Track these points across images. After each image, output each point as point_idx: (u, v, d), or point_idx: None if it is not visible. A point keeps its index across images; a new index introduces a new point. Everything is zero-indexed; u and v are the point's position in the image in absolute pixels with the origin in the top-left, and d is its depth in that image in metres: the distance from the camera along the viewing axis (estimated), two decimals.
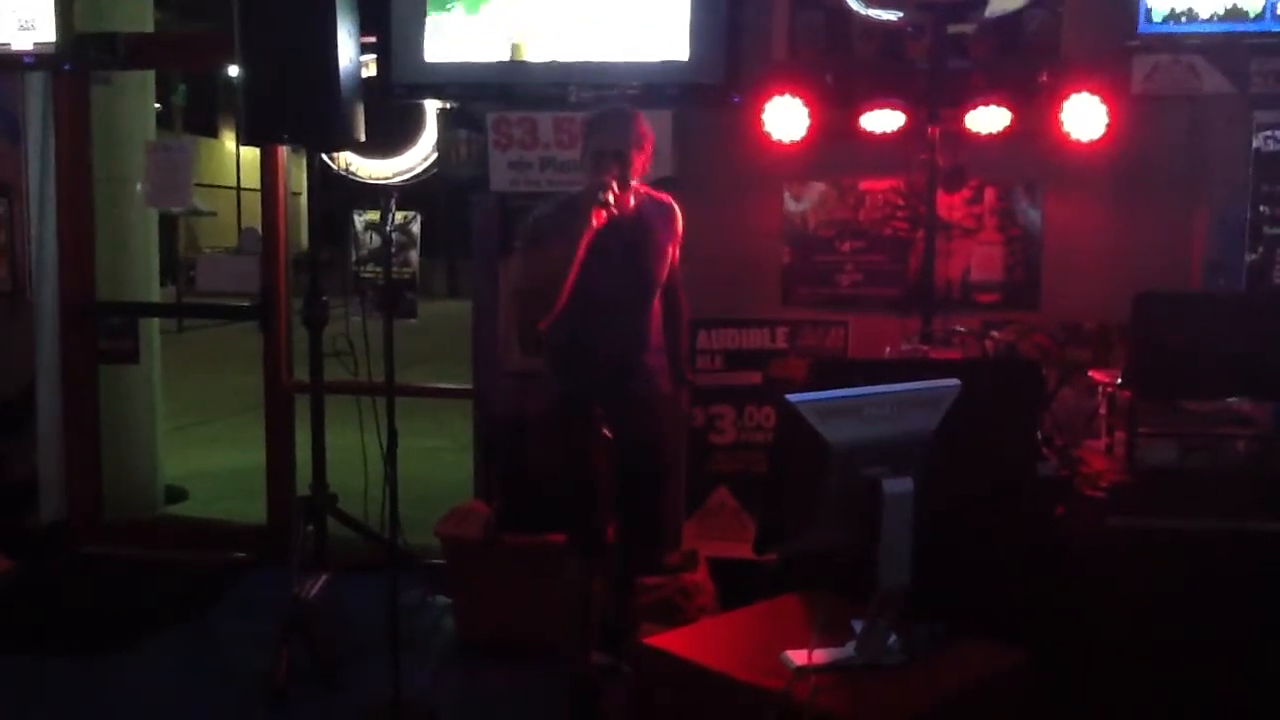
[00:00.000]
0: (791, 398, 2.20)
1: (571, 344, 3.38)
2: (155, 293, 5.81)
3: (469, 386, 4.69)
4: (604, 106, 3.51)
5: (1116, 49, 3.92)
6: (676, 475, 3.84)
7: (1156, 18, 3.88)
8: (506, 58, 4.23)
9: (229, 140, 22.23)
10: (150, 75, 5.60)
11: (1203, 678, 2.89)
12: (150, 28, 5.50)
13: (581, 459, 3.32)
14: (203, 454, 7.26)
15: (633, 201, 3.31)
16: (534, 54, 4.21)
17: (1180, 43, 3.87)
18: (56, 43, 4.70)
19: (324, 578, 3.86)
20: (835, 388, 2.24)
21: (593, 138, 3.34)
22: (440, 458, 6.32)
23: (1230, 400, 3.15)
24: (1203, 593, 2.88)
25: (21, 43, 4.71)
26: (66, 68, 4.80)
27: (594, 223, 3.20)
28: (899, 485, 2.22)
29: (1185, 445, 3.09)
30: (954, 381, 2.34)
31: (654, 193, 3.45)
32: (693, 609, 3.77)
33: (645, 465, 3.44)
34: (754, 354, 4.29)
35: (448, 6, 4.24)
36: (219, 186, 20.85)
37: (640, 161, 3.32)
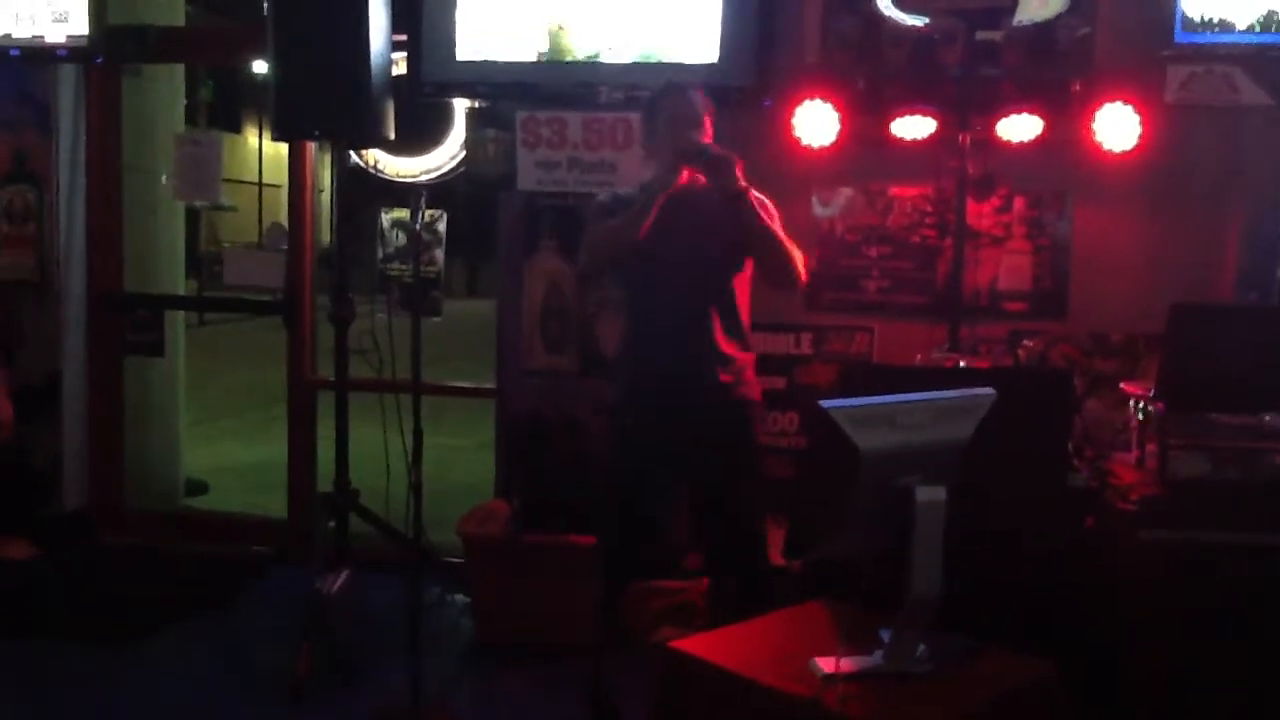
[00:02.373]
0: (824, 403, 2.19)
1: (636, 356, 3.28)
2: (181, 286, 5.85)
3: (492, 386, 4.69)
4: (667, 83, 3.38)
5: (1151, 59, 3.89)
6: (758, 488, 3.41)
7: (1192, 27, 3.85)
8: (544, 47, 4.21)
9: (252, 136, 22.35)
10: (179, 69, 5.63)
11: (1234, 692, 2.86)
12: (181, 21, 5.52)
13: (638, 497, 3.22)
14: (224, 448, 7.29)
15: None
16: (573, 41, 4.19)
17: (1216, 53, 3.84)
18: (89, 35, 4.72)
19: (344, 574, 3.86)
20: (864, 394, 2.23)
21: (666, 110, 3.23)
22: (461, 456, 6.33)
23: (1263, 414, 3.12)
24: (1234, 606, 2.85)
25: (55, 35, 4.74)
26: (98, 60, 4.82)
27: (675, 183, 3.10)
28: (932, 494, 2.20)
29: (1217, 458, 3.06)
30: (989, 390, 2.32)
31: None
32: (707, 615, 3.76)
33: (724, 491, 3.23)
34: (778, 359, 4.27)
35: None
36: (241, 182, 20.94)
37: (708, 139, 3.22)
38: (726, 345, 3.22)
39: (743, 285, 3.29)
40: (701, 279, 3.20)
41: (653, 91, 3.37)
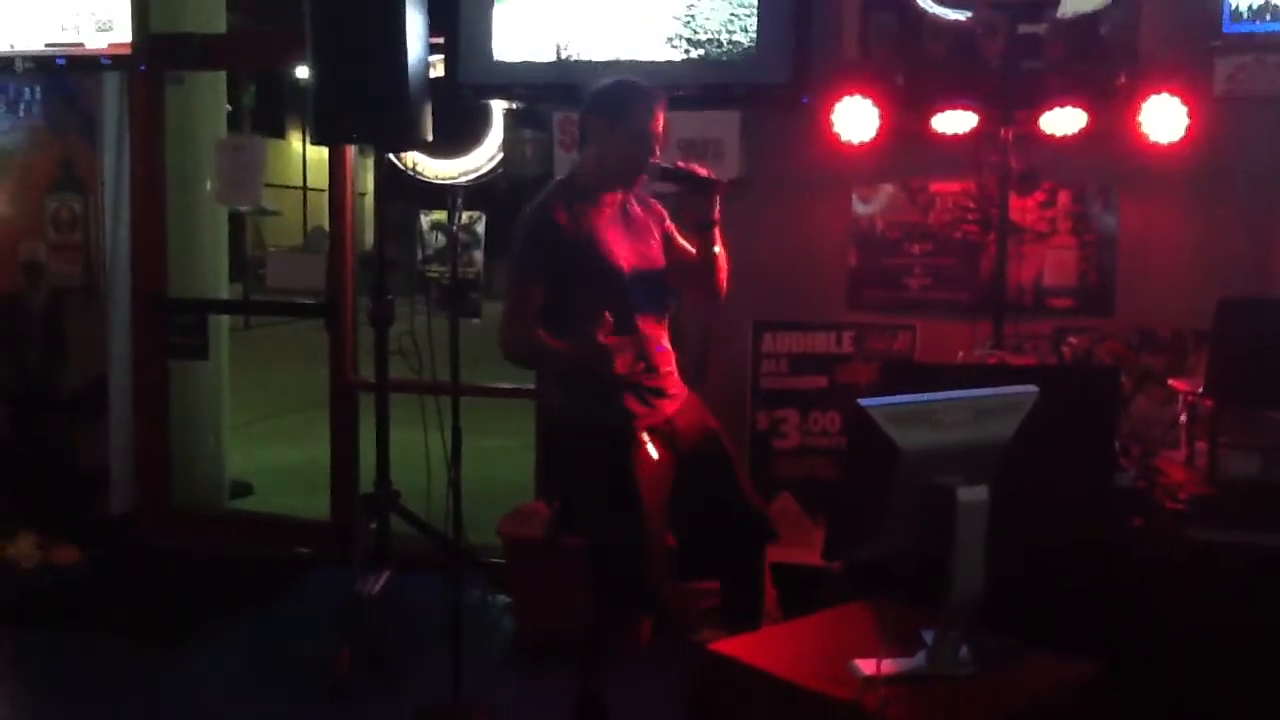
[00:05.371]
0: (863, 402, 2.16)
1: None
2: (225, 290, 5.90)
3: (531, 387, 4.69)
4: (620, 79, 3.14)
5: (1198, 50, 3.82)
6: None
7: (1241, 17, 3.77)
8: (580, 47, 4.20)
9: (295, 141, 22.56)
10: (222, 76, 5.68)
11: None
12: (223, 29, 5.58)
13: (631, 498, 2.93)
14: (268, 449, 7.35)
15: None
16: (609, 40, 4.17)
17: (1267, 43, 3.76)
18: (132, 43, 4.78)
19: (386, 574, 3.88)
20: (905, 392, 2.20)
21: (636, 113, 3.01)
22: (502, 457, 6.34)
23: None
24: None
25: (98, 43, 4.81)
26: (142, 68, 4.88)
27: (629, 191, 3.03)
28: (974, 494, 2.17)
29: (1268, 456, 3.00)
30: (1031, 388, 2.28)
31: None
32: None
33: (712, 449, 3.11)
34: (819, 358, 4.24)
35: None
36: (285, 186, 21.16)
37: None
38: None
39: None
40: (657, 293, 3.11)
41: (605, 88, 3.08)
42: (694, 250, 3.16)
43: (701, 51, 4.11)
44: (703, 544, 3.22)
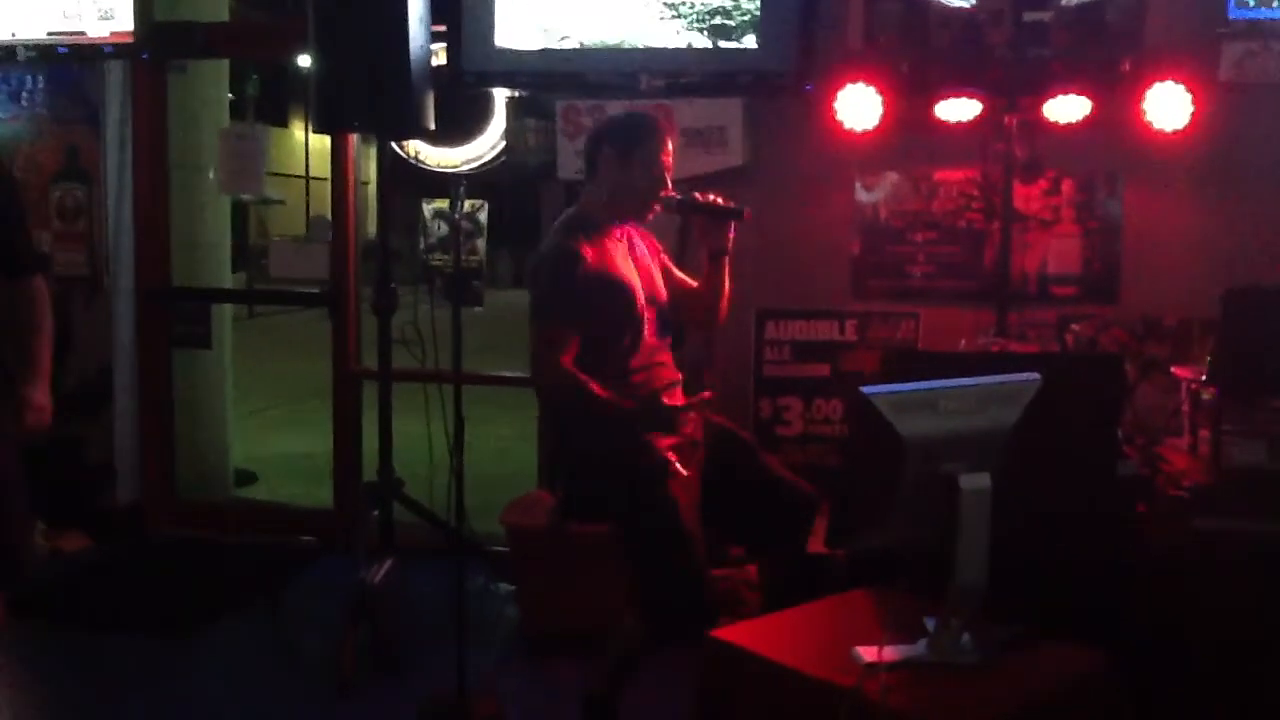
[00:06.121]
0: (865, 389, 2.16)
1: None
2: (228, 279, 5.90)
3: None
4: (630, 112, 3.25)
5: (1203, 36, 3.80)
6: None
7: (1246, 3, 3.75)
8: (583, 34, 4.19)
9: (298, 130, 22.53)
10: (224, 64, 5.67)
11: None
12: (225, 17, 5.57)
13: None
14: (271, 438, 7.37)
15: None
16: (611, 29, 4.17)
17: (1274, 29, 3.73)
18: (135, 32, 4.78)
19: (389, 563, 3.88)
20: (909, 380, 2.19)
21: (649, 146, 3.04)
22: (505, 446, 6.35)
23: None
24: None
25: (101, 32, 4.80)
26: (145, 57, 4.87)
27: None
28: (976, 481, 2.16)
29: (1273, 445, 2.99)
30: (1034, 375, 2.28)
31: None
32: (757, 602, 3.74)
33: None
34: (822, 346, 4.24)
35: None
36: (289, 175, 21.15)
37: None
38: None
39: None
40: (665, 321, 3.14)
41: (616, 121, 3.19)
42: (697, 283, 3.20)
43: (707, 30, 4.10)
44: (749, 529, 3.22)
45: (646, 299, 3.06)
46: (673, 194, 3.05)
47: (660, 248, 3.25)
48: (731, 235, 3.11)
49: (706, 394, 3.12)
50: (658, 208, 3.07)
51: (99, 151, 5.00)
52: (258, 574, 4.61)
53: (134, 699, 3.58)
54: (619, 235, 3.09)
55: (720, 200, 3.08)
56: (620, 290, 3.00)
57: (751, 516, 3.14)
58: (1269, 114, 3.86)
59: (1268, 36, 3.75)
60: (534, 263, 3.14)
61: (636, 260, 3.11)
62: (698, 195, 3.09)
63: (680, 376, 3.16)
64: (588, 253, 2.97)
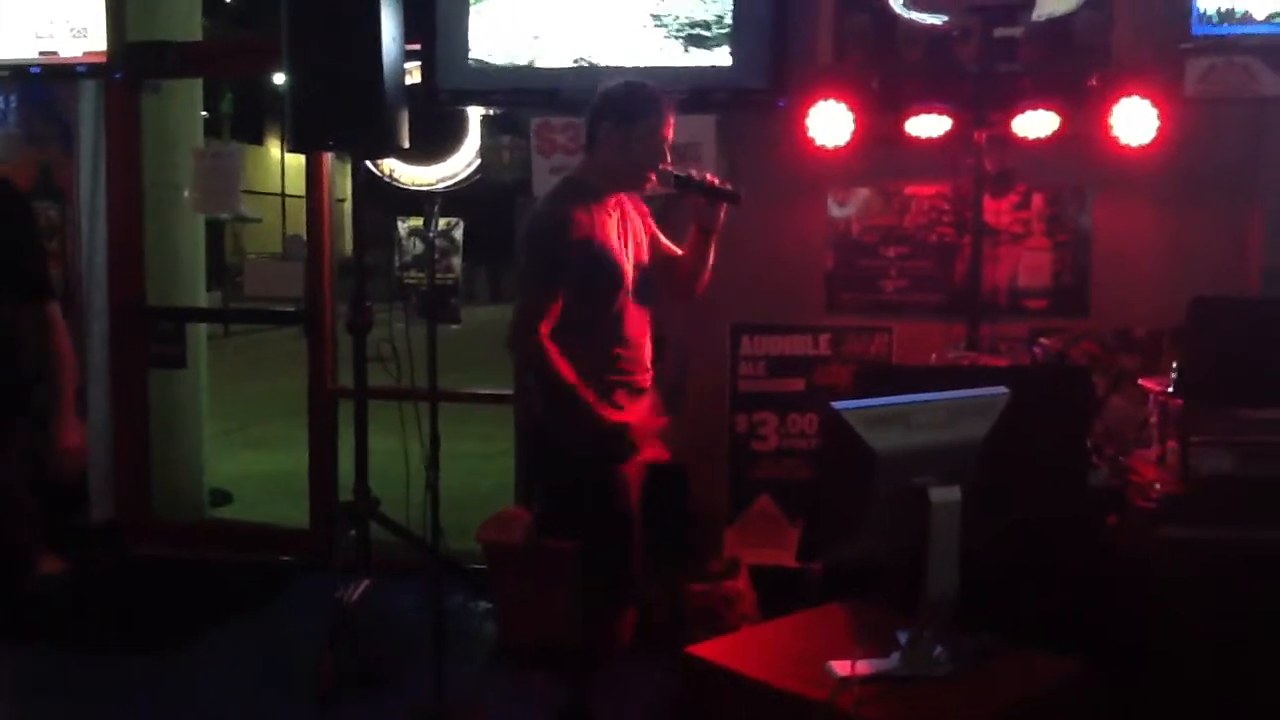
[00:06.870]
0: (837, 405, 2.18)
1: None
2: (202, 298, 5.88)
3: (511, 392, 4.69)
4: (629, 81, 3.10)
5: (1169, 51, 3.86)
6: None
7: (1210, 19, 3.81)
8: (559, 53, 4.21)
9: (274, 147, 22.51)
10: (198, 83, 5.67)
11: (1258, 691, 2.83)
12: (199, 36, 5.56)
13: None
14: (247, 458, 7.33)
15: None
16: (587, 48, 4.20)
17: (1235, 44, 3.79)
18: (108, 51, 4.77)
19: (365, 582, 3.87)
20: (879, 395, 2.21)
21: (648, 118, 3.00)
22: (481, 463, 6.34)
23: None
24: (1257, 604, 2.82)
25: (73, 51, 4.79)
26: (118, 76, 4.87)
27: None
28: (947, 495, 2.19)
29: (1240, 454, 3.02)
30: (1003, 389, 2.31)
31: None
32: (734, 617, 3.75)
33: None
34: (797, 360, 4.26)
35: None
36: (265, 193, 21.10)
37: None
38: None
39: None
40: (645, 285, 3.16)
41: (615, 91, 3.06)
42: (682, 251, 3.20)
43: (680, 43, 4.13)
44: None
45: (635, 264, 3.08)
46: (670, 169, 3.05)
47: (648, 211, 3.24)
48: (723, 216, 3.10)
49: (662, 420, 3.16)
50: (654, 179, 3.07)
51: (72, 170, 4.99)
52: (235, 593, 4.58)
53: (114, 718, 3.55)
54: (613, 205, 3.08)
55: (717, 181, 3.09)
56: (607, 261, 3.00)
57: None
58: (1233, 127, 3.92)
59: (1230, 51, 3.81)
60: (526, 225, 3.15)
61: (626, 226, 3.11)
62: (694, 173, 3.10)
63: (651, 376, 3.16)
64: (581, 218, 2.96)
